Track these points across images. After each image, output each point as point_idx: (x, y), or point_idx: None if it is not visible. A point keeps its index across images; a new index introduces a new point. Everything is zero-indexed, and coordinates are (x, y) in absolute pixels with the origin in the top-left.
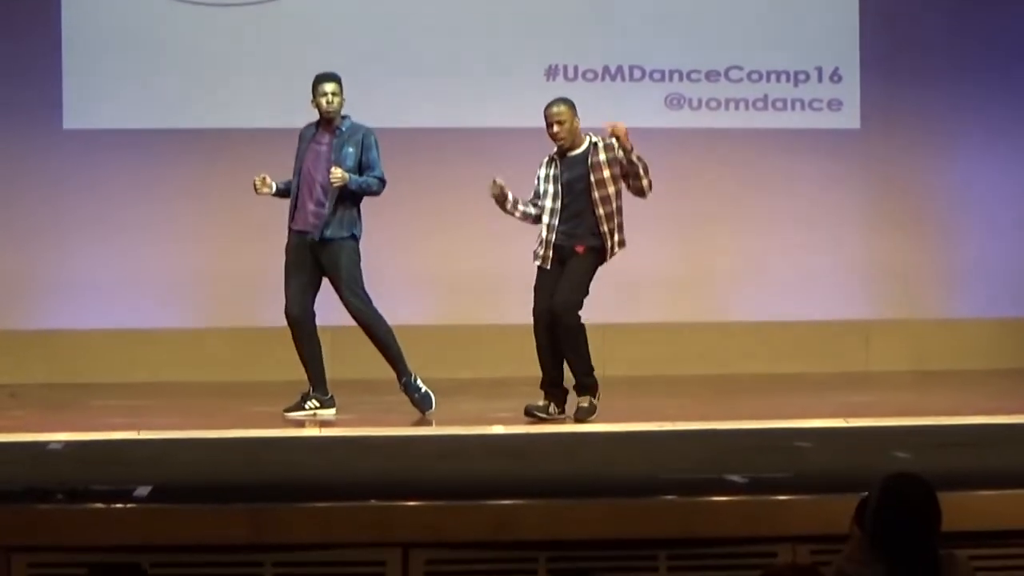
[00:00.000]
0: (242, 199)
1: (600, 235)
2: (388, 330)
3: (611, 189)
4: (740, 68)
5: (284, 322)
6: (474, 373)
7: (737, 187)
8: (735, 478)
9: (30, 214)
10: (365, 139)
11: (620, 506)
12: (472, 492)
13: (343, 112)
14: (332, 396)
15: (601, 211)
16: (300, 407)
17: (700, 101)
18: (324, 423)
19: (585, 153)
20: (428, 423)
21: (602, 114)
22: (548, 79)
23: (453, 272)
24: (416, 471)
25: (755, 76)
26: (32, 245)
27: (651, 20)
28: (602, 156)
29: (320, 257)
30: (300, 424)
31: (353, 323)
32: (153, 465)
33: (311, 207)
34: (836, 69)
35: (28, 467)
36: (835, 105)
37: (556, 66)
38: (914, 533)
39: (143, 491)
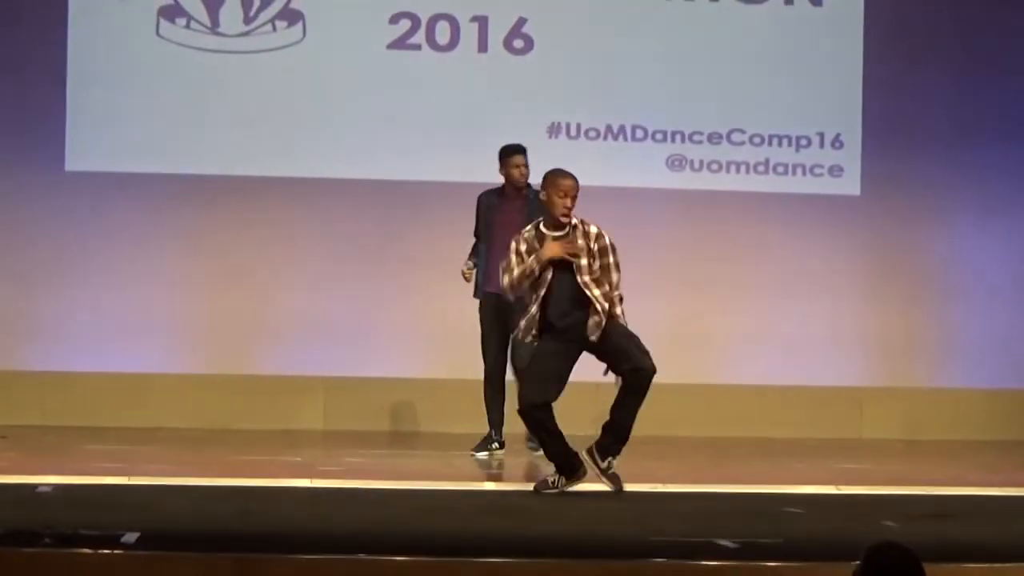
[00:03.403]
0: (241, 247)
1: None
2: None
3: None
4: (742, 131)
5: (278, 371)
6: (467, 428)
7: (736, 250)
8: (725, 543)
9: (29, 254)
10: None
11: (609, 568)
12: (461, 549)
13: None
14: (504, 440)
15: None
16: (486, 447)
17: (702, 163)
18: (321, 473)
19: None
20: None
21: (604, 173)
22: (551, 136)
23: (448, 325)
24: (405, 526)
25: (757, 140)
26: (29, 286)
27: (654, 81)
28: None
29: (510, 317)
30: (290, 475)
31: (345, 374)
32: (142, 511)
33: None
34: (838, 135)
35: (17, 509)
36: (836, 171)
37: (559, 124)
38: None
39: (131, 537)
